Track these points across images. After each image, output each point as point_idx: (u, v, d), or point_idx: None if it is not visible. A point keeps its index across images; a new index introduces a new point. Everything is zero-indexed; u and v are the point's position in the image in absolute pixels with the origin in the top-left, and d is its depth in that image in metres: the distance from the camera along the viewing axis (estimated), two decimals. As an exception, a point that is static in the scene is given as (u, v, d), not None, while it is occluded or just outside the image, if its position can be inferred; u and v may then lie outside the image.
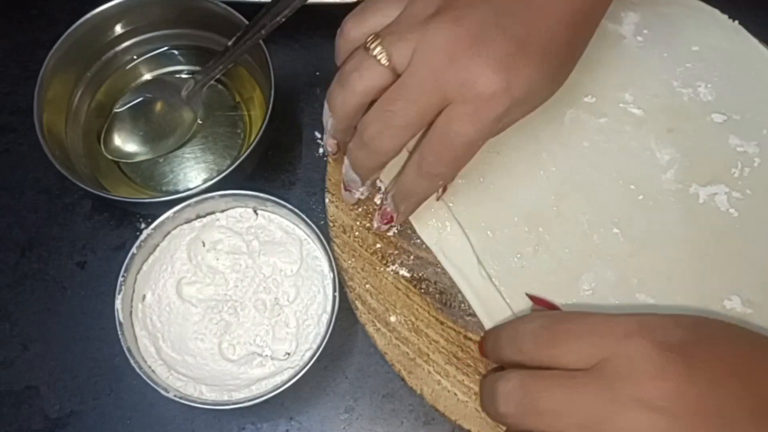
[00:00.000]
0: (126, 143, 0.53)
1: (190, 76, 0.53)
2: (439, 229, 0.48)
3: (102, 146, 0.52)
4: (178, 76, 0.56)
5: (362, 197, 0.47)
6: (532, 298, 0.45)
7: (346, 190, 0.47)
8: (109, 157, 0.53)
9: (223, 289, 0.46)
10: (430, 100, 0.39)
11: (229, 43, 0.50)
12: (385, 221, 0.46)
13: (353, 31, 0.42)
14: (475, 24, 0.39)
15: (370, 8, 0.42)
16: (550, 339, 0.38)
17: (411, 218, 0.48)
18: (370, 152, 0.42)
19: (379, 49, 0.40)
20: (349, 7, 0.44)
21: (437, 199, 0.47)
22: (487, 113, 0.39)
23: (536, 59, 0.39)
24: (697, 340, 0.37)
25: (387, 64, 0.40)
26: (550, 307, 0.45)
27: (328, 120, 0.44)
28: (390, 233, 0.48)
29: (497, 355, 0.42)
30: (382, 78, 0.40)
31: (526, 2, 0.40)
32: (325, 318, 0.45)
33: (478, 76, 0.38)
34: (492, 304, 0.46)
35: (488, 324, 0.45)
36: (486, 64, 0.38)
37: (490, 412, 0.40)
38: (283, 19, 0.47)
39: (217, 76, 0.52)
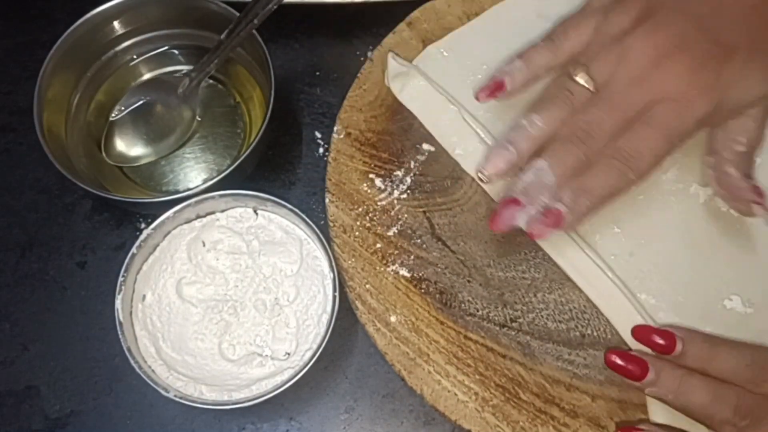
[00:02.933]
0: (130, 148, 0.53)
1: (186, 74, 0.53)
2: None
3: (104, 154, 0.52)
4: (177, 75, 0.55)
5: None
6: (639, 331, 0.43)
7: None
8: (113, 163, 0.52)
9: (223, 289, 0.46)
10: (633, 105, 0.41)
11: (222, 36, 0.49)
12: (552, 224, 0.41)
13: (540, 57, 0.44)
14: (674, 28, 0.41)
15: (559, 35, 0.45)
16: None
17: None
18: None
19: (582, 74, 0.42)
20: (348, 7, 0.44)
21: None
22: (692, 110, 0.41)
23: (742, 56, 0.41)
24: None
25: (592, 87, 0.42)
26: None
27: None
28: (390, 233, 0.48)
29: (712, 363, 0.41)
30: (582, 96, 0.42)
31: (719, 2, 0.42)
32: (325, 318, 0.45)
33: (683, 76, 0.40)
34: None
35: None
36: (690, 65, 0.40)
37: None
38: (275, 7, 0.46)
39: (212, 72, 0.52)
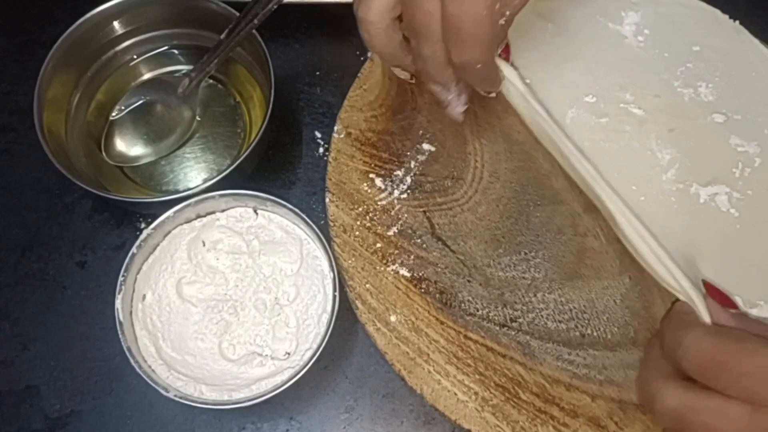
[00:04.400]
0: (130, 148, 0.53)
1: (185, 74, 0.53)
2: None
3: (104, 153, 0.52)
4: (177, 75, 0.56)
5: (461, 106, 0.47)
6: (707, 286, 0.43)
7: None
8: (113, 163, 0.52)
9: (223, 288, 0.46)
10: None
11: (222, 36, 0.49)
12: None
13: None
14: None
15: None
16: (718, 369, 0.37)
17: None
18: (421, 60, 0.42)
19: None
20: (349, 7, 0.44)
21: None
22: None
23: None
24: None
25: None
26: (727, 303, 0.43)
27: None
28: (390, 233, 0.48)
29: (669, 351, 0.40)
30: None
31: None
32: (325, 318, 0.45)
33: None
34: None
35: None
36: None
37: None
38: (275, 7, 0.46)
39: (212, 72, 0.52)
